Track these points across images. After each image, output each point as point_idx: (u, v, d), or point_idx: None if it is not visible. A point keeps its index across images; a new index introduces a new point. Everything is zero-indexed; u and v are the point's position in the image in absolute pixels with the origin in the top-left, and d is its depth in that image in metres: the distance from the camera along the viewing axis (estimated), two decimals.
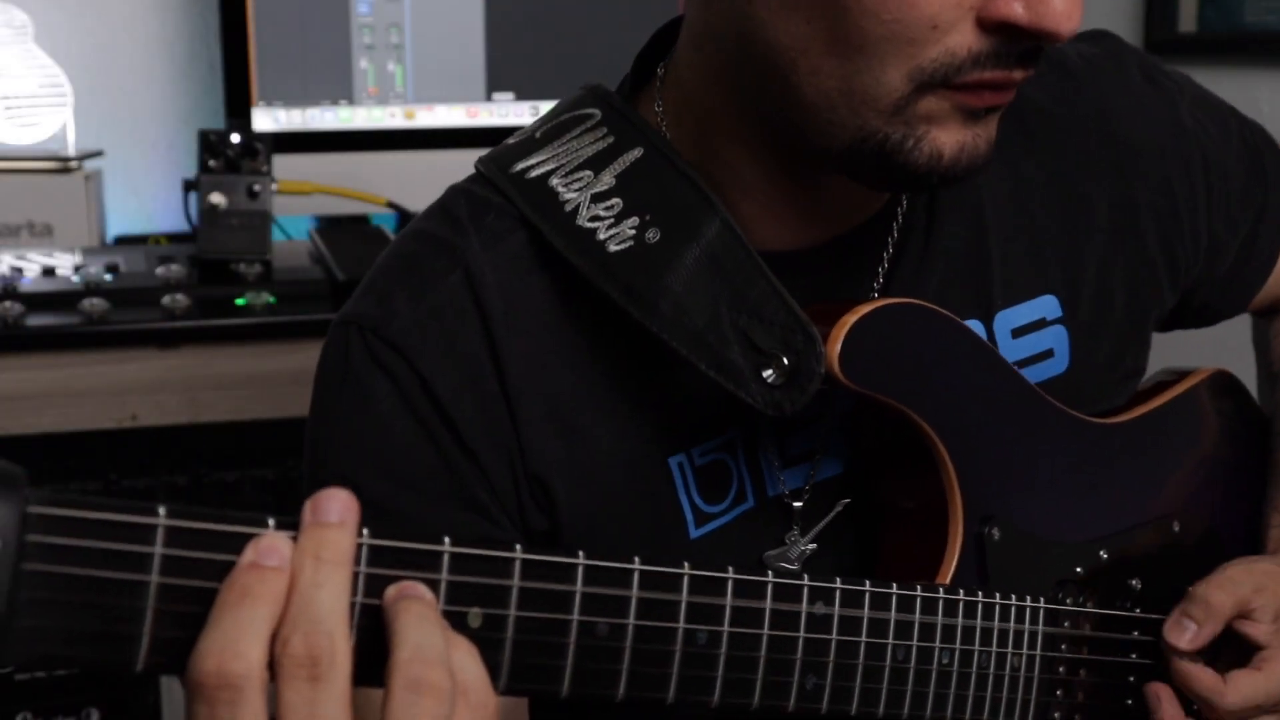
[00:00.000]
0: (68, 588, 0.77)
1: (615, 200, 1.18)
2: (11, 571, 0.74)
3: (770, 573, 1.19)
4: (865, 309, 1.13)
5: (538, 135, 1.25)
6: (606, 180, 1.19)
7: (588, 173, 1.20)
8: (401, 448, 1.17)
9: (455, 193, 1.27)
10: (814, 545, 1.23)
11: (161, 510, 0.79)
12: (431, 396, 1.17)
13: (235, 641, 0.79)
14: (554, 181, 1.20)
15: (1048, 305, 1.31)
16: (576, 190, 1.19)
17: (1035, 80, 1.33)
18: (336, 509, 0.85)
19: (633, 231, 1.16)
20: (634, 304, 1.14)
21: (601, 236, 1.16)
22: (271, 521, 0.82)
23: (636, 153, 1.19)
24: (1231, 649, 1.31)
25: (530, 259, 1.21)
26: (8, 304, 2.36)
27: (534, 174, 1.21)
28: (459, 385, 1.17)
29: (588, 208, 1.18)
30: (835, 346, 1.11)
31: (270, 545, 0.82)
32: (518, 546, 0.92)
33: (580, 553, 0.95)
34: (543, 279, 1.20)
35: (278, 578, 0.82)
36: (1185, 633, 1.28)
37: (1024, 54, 1.03)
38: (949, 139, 1.07)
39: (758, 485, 1.23)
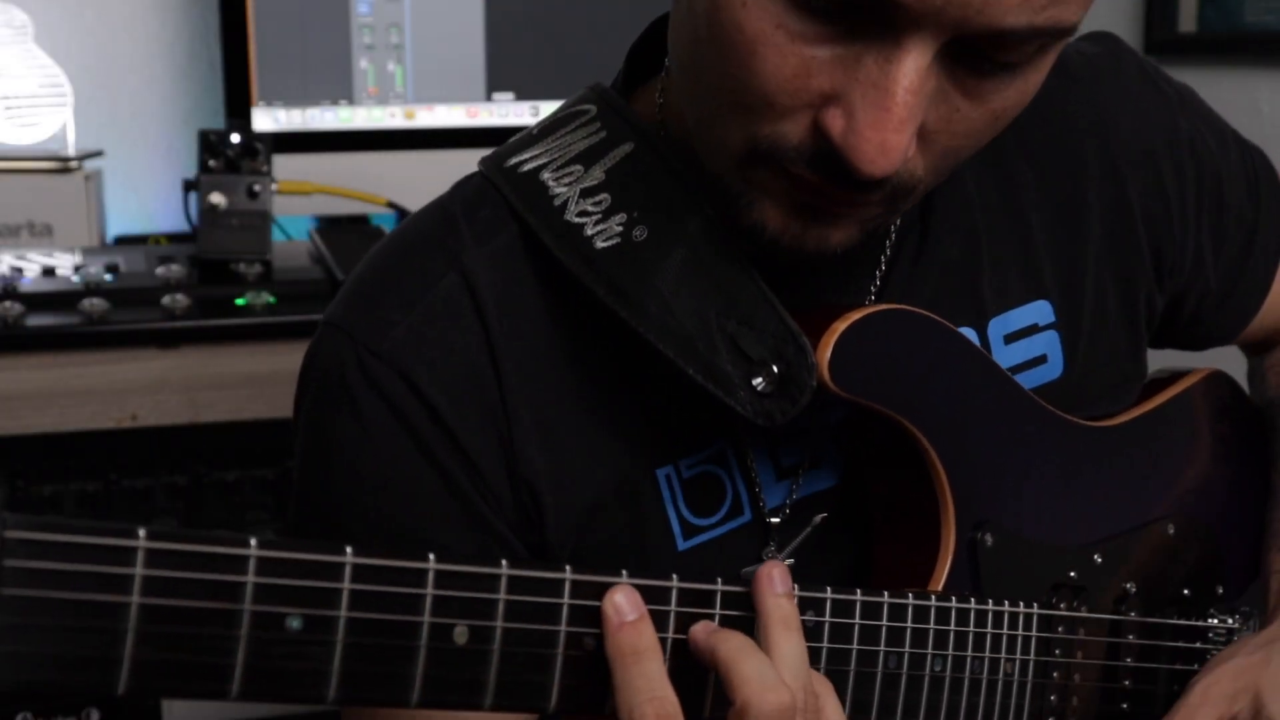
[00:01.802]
0: (47, 612, 0.76)
1: (604, 195, 1.17)
2: None
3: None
4: (854, 316, 1.13)
5: (535, 131, 1.25)
6: (596, 175, 1.18)
7: (578, 167, 1.19)
8: (402, 472, 1.16)
9: (454, 189, 1.26)
10: (791, 560, 1.21)
11: (142, 532, 0.79)
12: (433, 413, 1.16)
13: (657, 688, 0.95)
14: (545, 175, 1.19)
15: (1041, 310, 1.31)
16: (566, 185, 1.18)
17: None
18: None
19: (620, 228, 1.15)
20: (620, 303, 1.13)
21: (589, 232, 1.15)
22: (254, 540, 0.82)
23: (627, 148, 1.18)
24: None
25: (522, 254, 1.20)
26: (8, 304, 2.36)
27: (526, 168, 1.21)
28: (460, 396, 1.16)
29: (576, 202, 1.17)
30: (825, 354, 1.10)
31: (624, 602, 0.97)
32: (503, 562, 0.92)
33: (567, 566, 0.95)
34: (534, 277, 1.19)
35: (647, 625, 0.97)
36: None
37: (859, 182, 1.00)
38: (775, 217, 1.06)
39: (754, 499, 1.22)
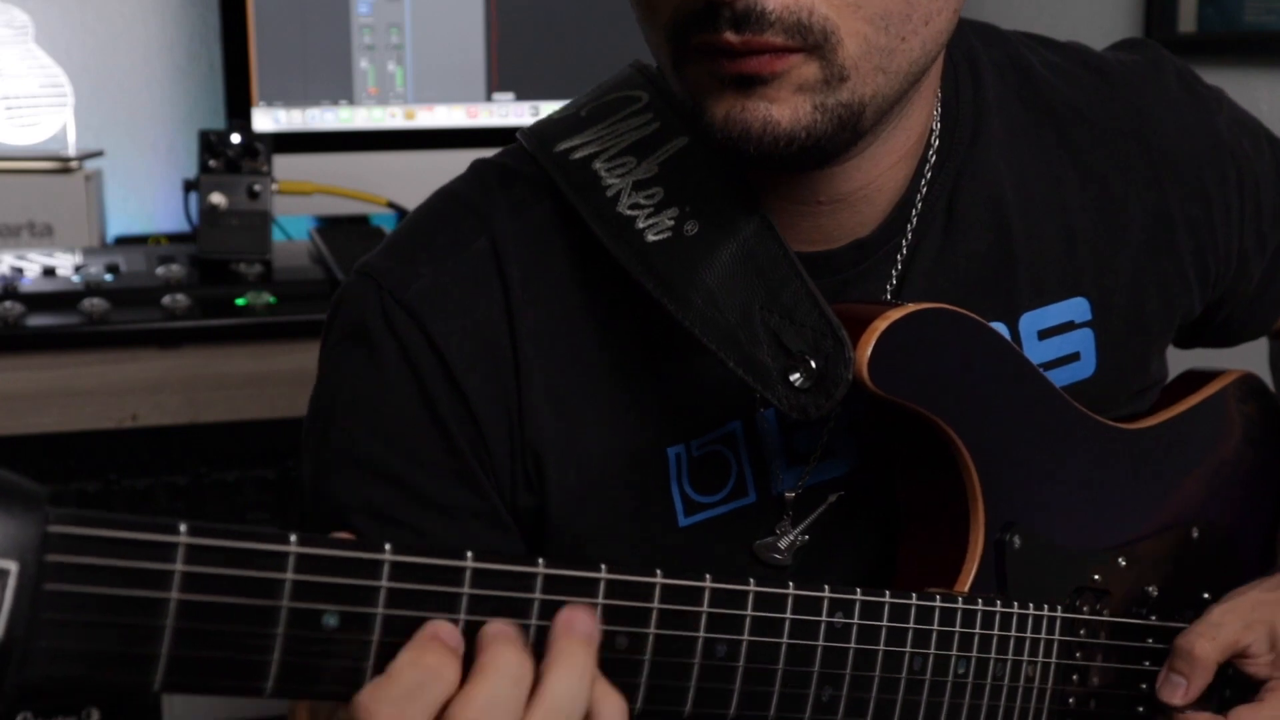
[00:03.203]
0: (88, 608, 0.76)
1: (657, 189, 1.18)
2: (32, 592, 0.73)
3: (761, 564, 1.21)
4: (895, 314, 1.12)
5: (583, 114, 1.26)
6: (649, 168, 1.19)
7: (631, 159, 1.20)
8: (405, 417, 1.19)
9: (489, 161, 1.28)
10: (805, 537, 1.23)
11: (183, 526, 0.78)
12: (444, 364, 1.18)
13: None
14: (597, 165, 1.20)
15: (1078, 307, 1.30)
16: (619, 176, 1.19)
17: (1073, 83, 1.32)
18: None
19: (671, 222, 1.16)
20: (668, 296, 1.14)
21: (640, 225, 1.17)
22: (294, 537, 0.82)
23: (681, 142, 1.20)
24: (1237, 686, 1.31)
25: (554, 231, 1.22)
26: (8, 304, 2.36)
27: (577, 155, 1.22)
28: (473, 352, 1.18)
29: (629, 195, 1.18)
30: (865, 352, 1.10)
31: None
32: (540, 561, 0.91)
33: (603, 566, 0.94)
34: (563, 254, 1.21)
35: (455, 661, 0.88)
36: (1177, 689, 1.28)
37: (733, 17, 1.01)
38: (716, 107, 1.06)
39: (761, 481, 1.23)
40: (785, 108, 1.04)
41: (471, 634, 0.89)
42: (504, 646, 0.88)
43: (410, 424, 1.19)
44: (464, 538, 1.18)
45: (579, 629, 0.91)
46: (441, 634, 0.87)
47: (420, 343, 1.18)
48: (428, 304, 1.19)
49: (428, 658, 0.86)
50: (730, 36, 1.01)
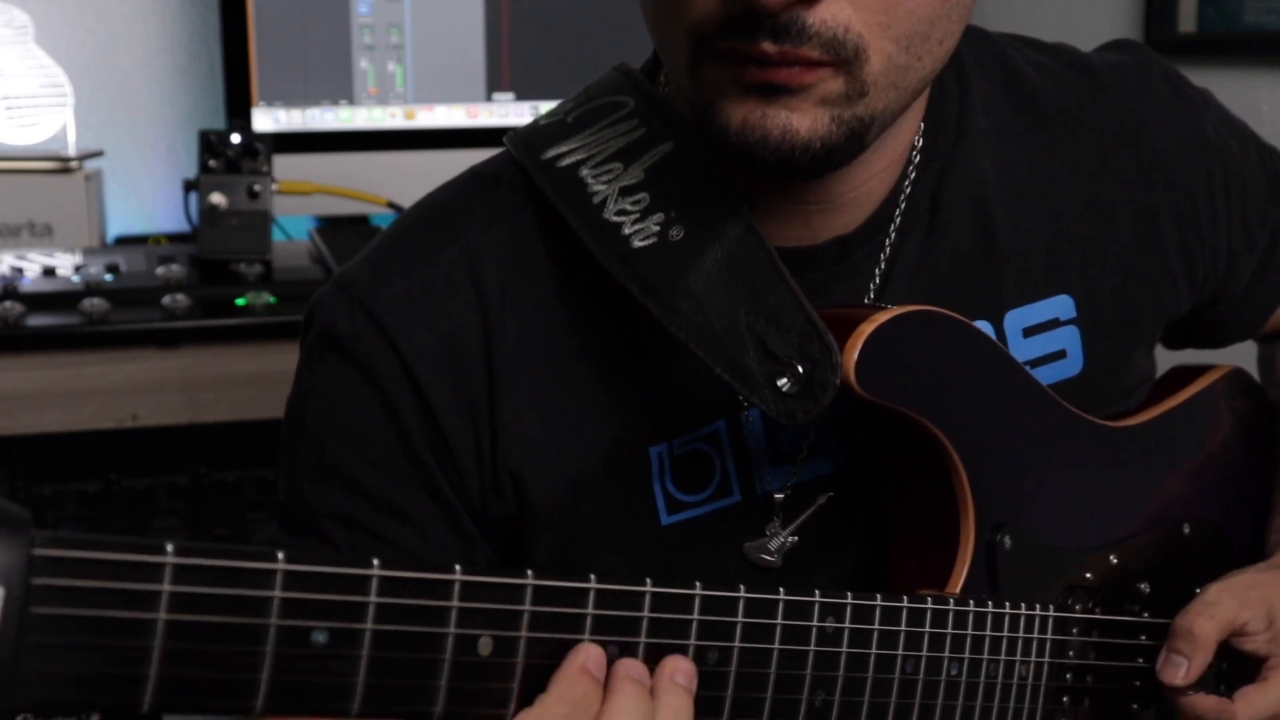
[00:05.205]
0: (75, 630, 0.75)
1: (642, 194, 1.18)
2: (19, 617, 0.73)
3: (750, 565, 1.21)
4: (882, 318, 1.12)
5: (569, 120, 1.25)
6: (635, 174, 1.19)
7: (617, 165, 1.20)
8: (369, 425, 1.20)
9: (473, 170, 1.29)
10: (795, 538, 1.22)
11: (170, 547, 0.78)
12: (408, 373, 1.18)
13: None
14: (583, 172, 1.20)
15: (1062, 305, 1.30)
16: (605, 182, 1.19)
17: (1061, 84, 1.32)
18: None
19: (657, 228, 1.16)
20: (653, 301, 1.14)
21: (626, 231, 1.17)
22: (281, 554, 0.81)
23: (666, 147, 1.19)
24: (1238, 666, 1.31)
25: (537, 237, 1.22)
26: (8, 304, 2.36)
27: (564, 163, 1.22)
28: (439, 361, 1.19)
29: (615, 201, 1.18)
30: (851, 357, 1.10)
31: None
32: (529, 572, 0.91)
33: (591, 576, 0.94)
34: (546, 257, 1.21)
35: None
36: (1178, 670, 1.27)
37: (774, 28, 1.01)
38: (733, 111, 1.06)
39: (745, 480, 1.23)
40: (805, 118, 1.05)
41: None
42: (634, 688, 0.95)
43: (374, 432, 1.19)
44: (429, 544, 1.20)
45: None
46: (590, 665, 0.93)
47: (385, 351, 1.19)
48: (394, 313, 1.19)
49: (576, 690, 0.92)
50: (768, 46, 1.02)
